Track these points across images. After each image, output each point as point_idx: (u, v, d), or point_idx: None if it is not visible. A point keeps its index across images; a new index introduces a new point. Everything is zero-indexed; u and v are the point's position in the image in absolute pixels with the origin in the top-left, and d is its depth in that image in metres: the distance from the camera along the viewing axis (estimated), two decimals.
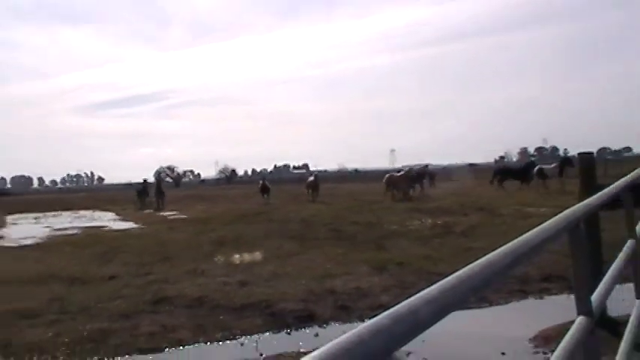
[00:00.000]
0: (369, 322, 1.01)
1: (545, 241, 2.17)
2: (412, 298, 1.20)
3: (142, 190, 46.47)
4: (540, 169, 37.18)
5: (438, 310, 1.24)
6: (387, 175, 37.11)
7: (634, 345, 3.63)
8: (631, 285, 5.30)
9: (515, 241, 2.02)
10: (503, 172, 40.10)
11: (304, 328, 9.28)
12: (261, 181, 41.83)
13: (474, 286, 1.53)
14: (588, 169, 9.05)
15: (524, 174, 37.34)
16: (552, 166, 38.33)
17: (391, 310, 1.11)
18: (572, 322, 2.42)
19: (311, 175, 42.69)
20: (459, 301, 1.37)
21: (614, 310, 7.04)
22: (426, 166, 44.43)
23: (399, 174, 37.39)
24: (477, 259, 1.67)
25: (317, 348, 0.96)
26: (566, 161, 36.87)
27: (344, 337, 0.94)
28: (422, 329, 1.16)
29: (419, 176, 38.30)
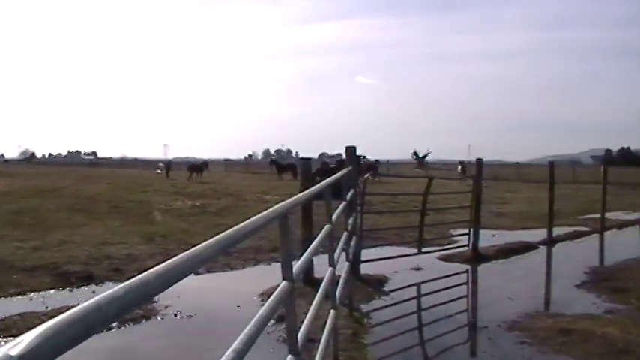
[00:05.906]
0: (106, 293, 0.99)
1: (264, 224, 2.29)
2: (144, 274, 1.19)
3: None
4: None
5: (174, 277, 1.26)
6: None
7: (325, 296, 4.01)
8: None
9: (244, 222, 2.11)
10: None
11: (84, 286, 8.74)
12: None
13: (209, 255, 1.57)
14: (306, 170, 9.60)
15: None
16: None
17: (126, 282, 1.09)
18: None
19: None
20: (190, 269, 1.39)
21: (321, 272, 7.53)
22: (205, 162, 47.49)
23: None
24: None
25: None
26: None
27: (84, 304, 0.91)
28: (154, 295, 1.16)
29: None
